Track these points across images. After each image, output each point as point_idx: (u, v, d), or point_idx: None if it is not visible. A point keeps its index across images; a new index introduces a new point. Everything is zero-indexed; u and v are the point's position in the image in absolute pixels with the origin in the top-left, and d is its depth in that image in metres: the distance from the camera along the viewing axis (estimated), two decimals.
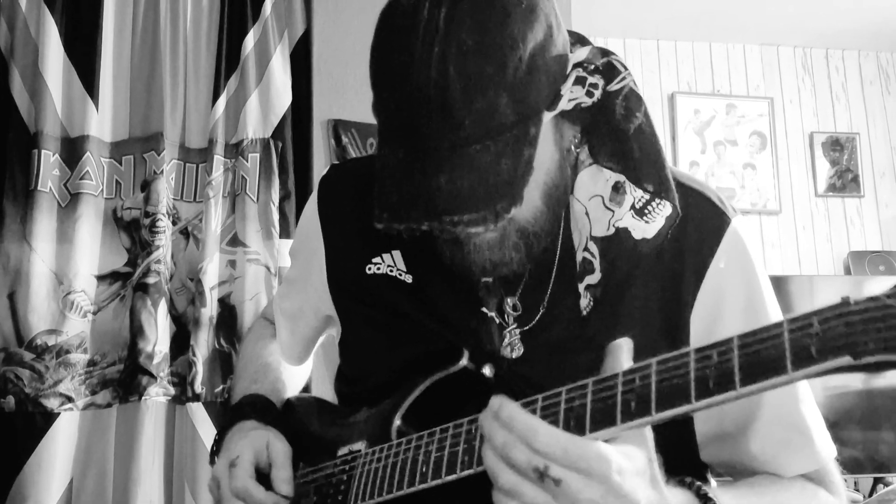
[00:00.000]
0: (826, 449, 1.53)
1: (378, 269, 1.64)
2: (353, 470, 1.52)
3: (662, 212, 1.50)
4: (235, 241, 4.04)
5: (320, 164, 4.13)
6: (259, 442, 1.59)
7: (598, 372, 1.21)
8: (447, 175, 1.32)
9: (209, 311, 3.91)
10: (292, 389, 1.94)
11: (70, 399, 3.74)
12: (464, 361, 1.49)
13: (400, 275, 1.63)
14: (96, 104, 3.97)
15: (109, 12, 4.08)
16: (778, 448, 1.50)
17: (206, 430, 3.77)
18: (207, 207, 3.99)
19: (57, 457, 3.67)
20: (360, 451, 1.54)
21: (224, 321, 3.94)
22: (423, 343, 1.58)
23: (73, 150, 3.92)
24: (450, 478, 1.30)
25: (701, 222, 1.54)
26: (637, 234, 1.49)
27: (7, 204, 3.81)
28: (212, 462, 1.69)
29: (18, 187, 3.84)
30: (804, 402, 1.51)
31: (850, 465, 5.19)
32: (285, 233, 4.01)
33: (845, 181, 6.21)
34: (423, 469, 1.35)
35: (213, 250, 3.97)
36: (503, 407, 1.14)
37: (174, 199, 4.04)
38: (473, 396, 1.43)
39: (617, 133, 1.50)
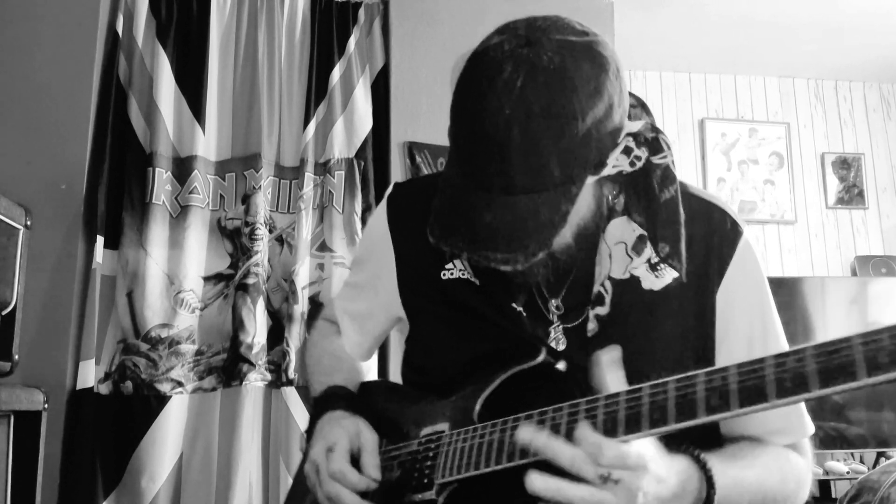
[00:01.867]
0: (809, 426, 1.59)
1: (452, 273, 1.65)
2: (438, 448, 1.52)
3: (670, 274, 1.53)
4: (323, 247, 4.07)
5: (397, 180, 4.10)
6: (352, 430, 1.59)
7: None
8: (492, 215, 1.34)
9: (301, 307, 3.94)
10: (362, 379, 1.94)
11: (180, 384, 3.78)
12: (542, 357, 1.48)
13: (470, 277, 1.62)
14: (203, 128, 4.01)
15: (215, 47, 4.13)
16: (777, 422, 1.52)
17: (299, 411, 3.79)
18: (299, 218, 4.03)
19: (169, 434, 3.71)
20: (443, 431, 1.53)
21: (314, 316, 3.93)
22: (491, 339, 1.58)
23: (182, 168, 3.97)
24: (537, 458, 1.29)
25: (721, 231, 1.57)
26: (646, 285, 1.52)
27: (126, 215, 3.85)
28: (306, 446, 1.69)
29: (136, 201, 3.88)
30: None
31: (856, 441, 5.23)
32: None
33: (852, 195, 6.19)
34: (510, 449, 1.36)
35: (304, 255, 3.99)
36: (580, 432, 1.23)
37: (270, 210, 4.06)
38: (541, 388, 1.47)
39: (650, 196, 1.53)
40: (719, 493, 1.29)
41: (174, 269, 3.86)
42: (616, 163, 1.42)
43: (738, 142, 6.12)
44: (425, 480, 1.50)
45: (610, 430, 1.23)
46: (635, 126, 1.44)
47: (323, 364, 1.92)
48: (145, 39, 4.06)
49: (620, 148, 1.41)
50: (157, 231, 3.85)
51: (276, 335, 3.94)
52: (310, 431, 1.69)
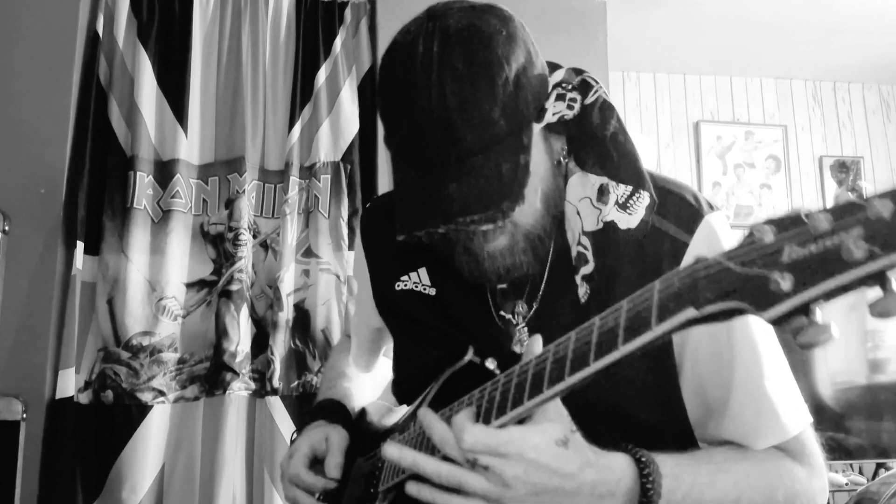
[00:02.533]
0: (794, 421, 1.48)
1: (405, 285, 1.69)
2: (381, 461, 1.59)
3: (642, 203, 1.51)
4: (309, 253, 4.03)
5: (385, 185, 4.12)
6: (318, 435, 1.69)
7: None
8: (456, 184, 1.34)
9: (286, 314, 3.90)
10: (364, 395, 2.01)
11: (162, 393, 3.74)
12: (468, 356, 1.51)
13: (424, 289, 1.67)
14: (185, 131, 3.97)
15: (197, 48, 4.09)
16: (748, 424, 1.46)
17: (284, 421, 3.77)
18: (284, 223, 3.98)
19: (150, 444, 3.67)
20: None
21: (299, 324, 3.93)
22: (447, 347, 1.58)
23: (164, 171, 3.93)
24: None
25: (678, 217, 1.53)
26: (622, 225, 1.50)
27: (106, 220, 3.81)
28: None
29: (116, 205, 3.84)
30: (769, 378, 1.46)
31: (855, 452, 5.24)
32: (353, 245, 3.98)
33: None
34: (422, 449, 1.38)
35: (289, 261, 3.96)
36: (426, 415, 1.30)
37: (255, 215, 4.03)
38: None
39: (596, 140, 1.52)
40: (665, 497, 1.26)
41: (156, 276, 3.81)
42: (555, 109, 1.46)
43: (734, 145, 6.10)
44: (371, 490, 1.57)
45: (484, 417, 1.26)
46: (559, 75, 1.49)
47: (327, 378, 2.04)
48: (126, 40, 4.02)
49: (554, 96, 1.46)
50: (139, 236, 3.81)
51: (261, 343, 3.90)
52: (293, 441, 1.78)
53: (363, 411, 1.89)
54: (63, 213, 3.72)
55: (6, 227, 2.96)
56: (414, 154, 1.39)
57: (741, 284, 0.92)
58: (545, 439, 1.19)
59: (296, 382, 3.86)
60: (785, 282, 0.87)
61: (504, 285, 1.58)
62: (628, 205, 1.50)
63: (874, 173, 6.27)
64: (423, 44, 1.36)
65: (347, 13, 4.31)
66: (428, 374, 1.60)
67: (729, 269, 0.94)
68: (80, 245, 3.71)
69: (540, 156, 1.47)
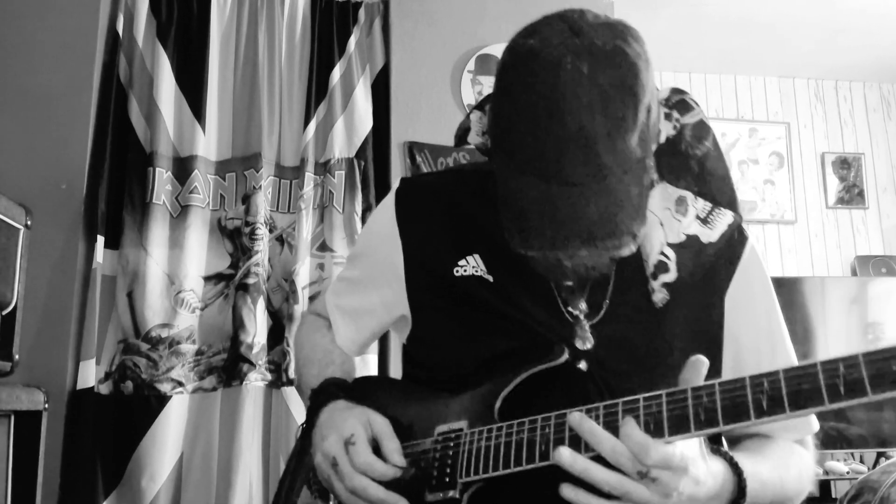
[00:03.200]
0: (815, 423, 1.62)
1: (465, 270, 1.61)
2: (458, 447, 1.47)
3: (724, 219, 1.57)
4: (324, 247, 4.07)
5: (397, 181, 4.12)
6: (363, 419, 1.52)
7: (670, 363, 1.39)
8: (594, 206, 1.32)
9: (301, 307, 3.92)
10: (354, 372, 1.89)
11: (181, 384, 3.77)
12: (565, 356, 1.46)
13: (484, 274, 1.60)
14: (203, 128, 4.01)
15: (215, 48, 4.14)
16: (792, 422, 1.51)
17: (299, 411, 3.75)
18: (299, 218, 4.03)
19: (169, 434, 3.70)
20: (461, 430, 1.49)
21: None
22: (507, 337, 1.55)
23: (183, 168, 3.97)
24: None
25: (729, 237, 1.60)
26: (704, 239, 1.55)
27: (126, 215, 3.85)
28: (303, 439, 1.64)
29: (136, 200, 3.88)
30: None
31: (856, 441, 5.23)
32: None
33: (852, 195, 6.18)
34: (542, 448, 1.34)
35: (304, 255, 4.00)
36: (583, 421, 1.25)
37: (271, 210, 4.06)
38: (560, 387, 1.46)
39: (686, 156, 1.54)
40: (749, 497, 1.33)
41: (174, 269, 3.85)
42: (666, 130, 1.47)
43: (739, 142, 6.11)
44: (447, 479, 1.45)
45: (654, 431, 1.23)
46: (663, 93, 1.49)
47: (315, 358, 1.85)
48: (146, 39, 4.06)
49: (662, 116, 1.46)
50: (158, 231, 3.85)
51: (277, 335, 3.94)
52: (309, 423, 1.63)
53: (364, 385, 1.77)
54: (84, 208, 3.77)
55: (28, 222, 2.99)
56: (549, 167, 1.34)
57: None
58: (696, 453, 1.24)
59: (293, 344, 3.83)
60: None
61: (571, 282, 1.56)
62: (709, 219, 1.56)
63: (875, 169, 6.29)
64: (571, 61, 1.31)
65: (361, 13, 4.36)
66: (482, 363, 1.56)
67: None
68: (100, 239, 3.76)
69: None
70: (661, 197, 1.56)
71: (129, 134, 3.95)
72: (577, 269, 1.49)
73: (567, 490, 1.23)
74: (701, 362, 1.27)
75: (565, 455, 1.22)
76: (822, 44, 5.77)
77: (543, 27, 1.39)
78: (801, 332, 5.19)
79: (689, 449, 1.22)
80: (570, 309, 1.55)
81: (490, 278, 1.60)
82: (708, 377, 1.28)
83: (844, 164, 6.23)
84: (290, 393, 3.84)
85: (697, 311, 1.55)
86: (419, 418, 1.59)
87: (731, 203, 1.55)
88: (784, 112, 6.29)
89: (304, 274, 3.99)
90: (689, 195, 1.55)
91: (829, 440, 5.13)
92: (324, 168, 4.13)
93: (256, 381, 3.83)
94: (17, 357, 2.93)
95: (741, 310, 1.58)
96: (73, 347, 3.66)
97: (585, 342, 1.52)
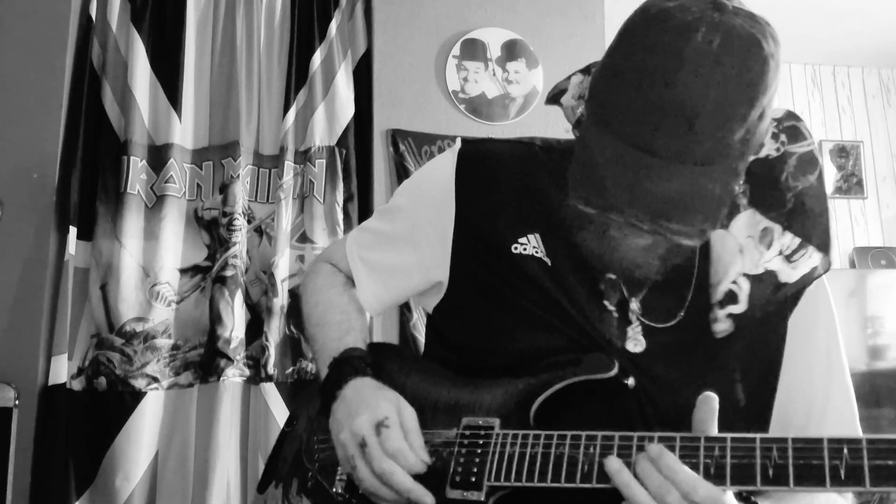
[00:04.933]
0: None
1: (525, 249, 1.54)
2: (486, 447, 1.40)
3: (809, 261, 1.46)
4: (304, 238, 4.04)
5: (380, 169, 4.15)
6: (395, 404, 1.47)
7: (723, 394, 1.28)
8: (675, 185, 1.26)
9: (280, 300, 3.91)
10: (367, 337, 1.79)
11: (156, 380, 3.74)
12: (615, 371, 1.39)
13: (543, 256, 1.53)
14: (179, 115, 3.96)
15: (191, 32, 4.09)
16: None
17: (278, 408, 3.77)
18: (279, 208, 3.99)
19: (144, 431, 3.68)
20: (492, 428, 1.42)
21: (294, 310, 3.94)
22: (552, 333, 1.49)
23: (158, 156, 3.92)
24: (606, 485, 1.25)
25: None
26: (783, 278, 1.46)
27: (100, 205, 3.81)
28: (325, 409, 1.56)
29: (110, 190, 3.83)
30: (857, 422, 1.48)
31: None
32: (348, 229, 3.97)
33: (850, 184, 6.14)
34: (585, 469, 1.28)
35: (283, 246, 3.97)
36: (663, 456, 1.19)
37: (249, 200, 4.03)
38: (602, 400, 1.41)
39: (782, 186, 1.46)
40: None
41: (149, 261, 3.81)
42: (769, 146, 1.41)
43: None
44: (472, 479, 1.38)
45: (715, 476, 1.19)
46: (778, 112, 1.43)
47: (333, 320, 1.73)
48: (120, 23, 4.00)
49: (770, 133, 1.40)
50: (132, 222, 3.81)
51: (255, 329, 3.91)
52: (330, 395, 1.55)
53: (379, 354, 1.69)
54: (56, 199, 3.72)
55: None
56: (642, 132, 1.28)
57: None
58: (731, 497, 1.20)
59: (290, 369, 3.87)
60: None
61: (614, 276, 1.50)
62: (793, 258, 1.46)
63: (874, 158, 6.25)
64: (704, 30, 1.26)
65: None
66: (521, 357, 1.50)
67: None
68: (72, 230, 3.70)
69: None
70: (748, 223, 1.48)
71: (102, 121, 3.90)
72: (630, 265, 1.45)
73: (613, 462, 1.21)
74: (712, 398, 1.24)
75: (614, 463, 1.20)
76: (818, 28, 5.74)
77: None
78: None
79: (730, 498, 1.18)
80: (605, 303, 1.50)
81: (548, 261, 1.53)
82: (760, 404, 1.34)
83: (843, 153, 6.19)
84: (269, 389, 3.81)
85: (760, 342, 1.49)
86: (443, 405, 1.53)
87: (822, 246, 1.46)
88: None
89: (283, 266, 3.95)
90: (777, 228, 1.46)
91: None
92: (304, 156, 4.09)
93: (234, 376, 3.80)
94: None
95: (801, 336, 1.51)
96: (45, 342, 3.62)
97: (637, 344, 1.47)
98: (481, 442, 1.41)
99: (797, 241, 1.45)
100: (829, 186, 6.11)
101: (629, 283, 1.50)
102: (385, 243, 1.78)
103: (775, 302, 1.46)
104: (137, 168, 3.85)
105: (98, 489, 3.62)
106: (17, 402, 2.95)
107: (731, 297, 1.45)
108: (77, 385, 3.66)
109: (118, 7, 4.00)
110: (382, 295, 1.78)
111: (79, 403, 3.64)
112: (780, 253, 1.45)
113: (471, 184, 1.63)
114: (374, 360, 1.64)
